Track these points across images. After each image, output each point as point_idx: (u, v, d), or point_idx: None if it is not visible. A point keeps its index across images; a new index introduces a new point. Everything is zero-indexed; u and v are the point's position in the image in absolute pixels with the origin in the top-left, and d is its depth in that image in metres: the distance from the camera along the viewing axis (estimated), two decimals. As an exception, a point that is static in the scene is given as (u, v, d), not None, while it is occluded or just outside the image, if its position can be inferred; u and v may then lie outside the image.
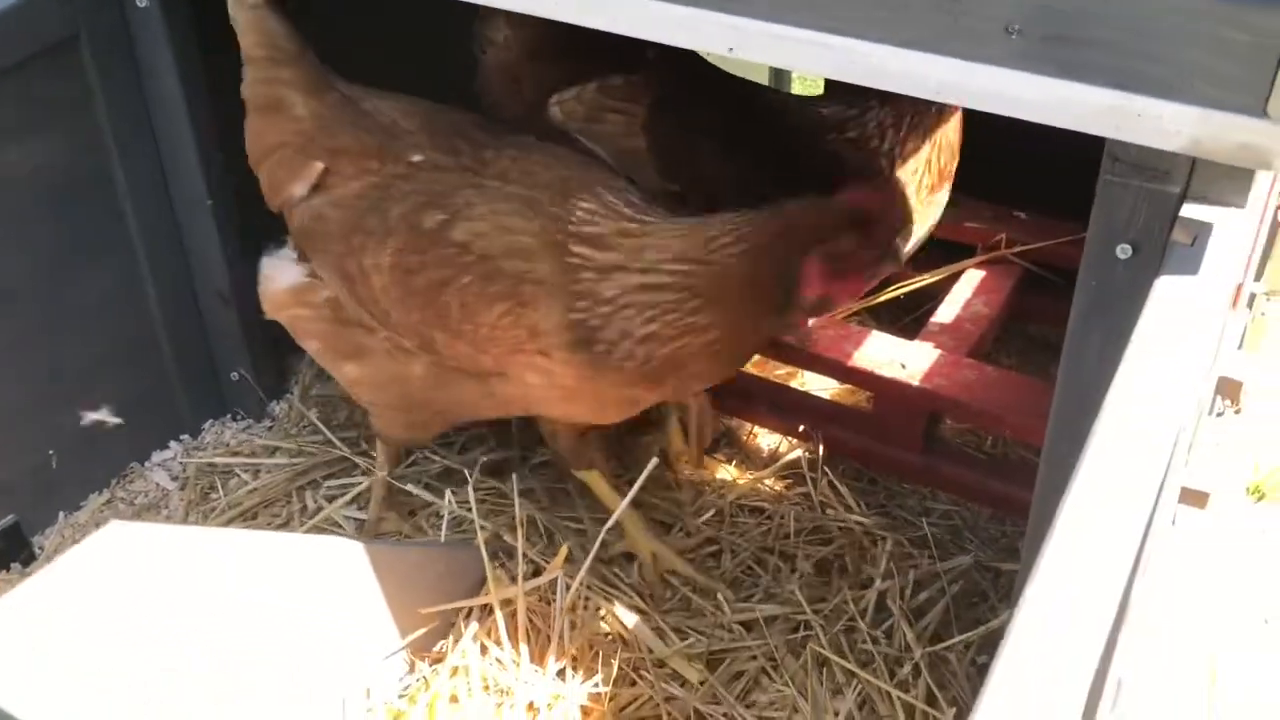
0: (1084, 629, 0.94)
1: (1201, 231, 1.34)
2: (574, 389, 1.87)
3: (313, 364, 2.67)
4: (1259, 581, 2.55)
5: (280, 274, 2.14)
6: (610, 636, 2.02)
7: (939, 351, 2.31)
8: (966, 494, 2.34)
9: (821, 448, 2.35)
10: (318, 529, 2.30)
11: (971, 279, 2.60)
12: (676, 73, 2.18)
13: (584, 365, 1.81)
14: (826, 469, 2.33)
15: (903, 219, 2.15)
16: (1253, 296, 2.80)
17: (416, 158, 1.96)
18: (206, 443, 2.56)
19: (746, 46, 1.44)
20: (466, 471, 2.31)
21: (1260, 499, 2.83)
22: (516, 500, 2.05)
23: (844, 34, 1.38)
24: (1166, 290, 1.28)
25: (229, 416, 2.62)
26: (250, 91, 2.08)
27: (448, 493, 2.23)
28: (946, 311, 2.50)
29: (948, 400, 2.21)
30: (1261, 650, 2.40)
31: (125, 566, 1.44)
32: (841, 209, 1.79)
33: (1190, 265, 1.31)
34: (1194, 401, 1.25)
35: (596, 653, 1.97)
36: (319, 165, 2.01)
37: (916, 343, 2.36)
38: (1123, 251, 1.46)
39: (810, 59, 1.40)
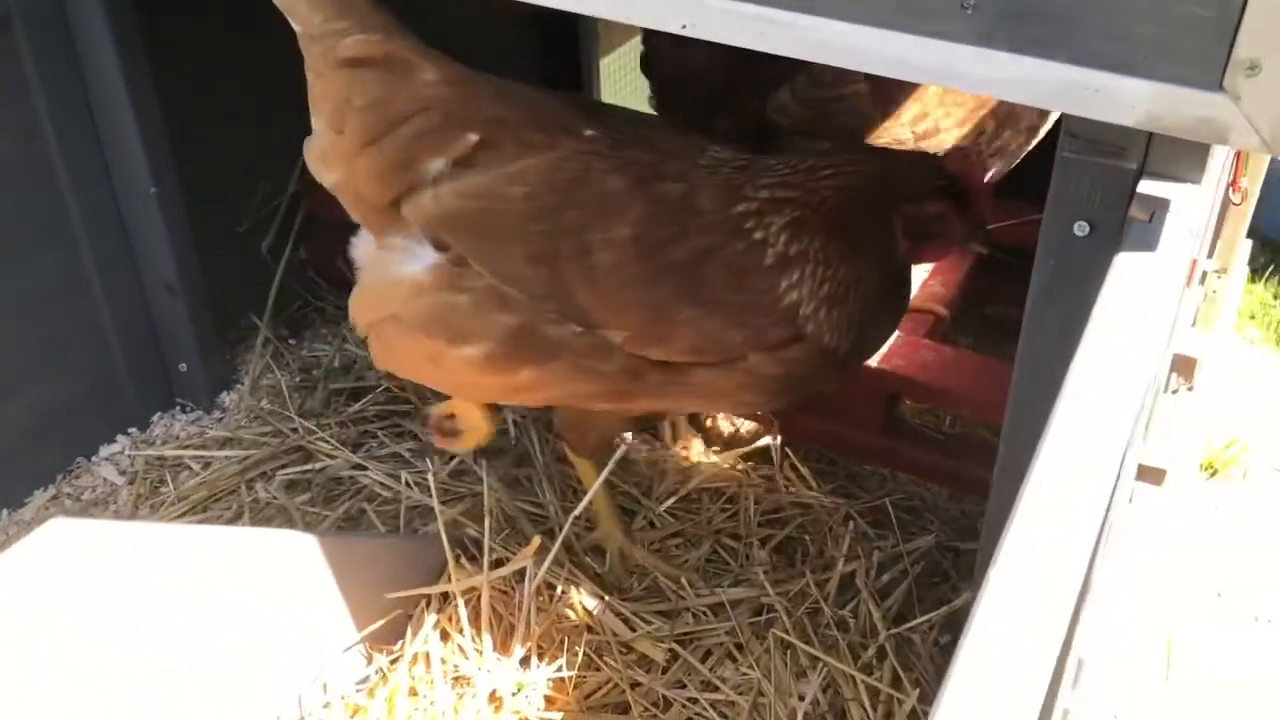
0: (1048, 609, 0.93)
1: (1159, 208, 1.33)
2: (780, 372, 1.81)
3: (263, 354, 2.63)
4: (1212, 557, 2.58)
5: (402, 260, 1.87)
6: (575, 622, 2.00)
7: (897, 333, 2.30)
8: (926, 474, 2.34)
9: (779, 433, 2.34)
10: (268, 521, 2.26)
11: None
12: None
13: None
14: (788, 451, 2.32)
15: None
16: (1204, 274, 2.83)
17: (589, 131, 1.79)
18: (155, 436, 2.51)
19: (700, 24, 1.42)
20: (427, 460, 2.29)
21: (1213, 475, 2.86)
22: (487, 486, 2.04)
23: (794, 9, 1.36)
24: (1125, 267, 1.27)
25: (177, 409, 2.56)
26: (361, 50, 1.78)
27: (404, 476, 2.20)
28: (904, 292, 2.49)
29: (907, 380, 2.20)
30: (1215, 625, 2.43)
31: (68, 564, 1.39)
32: (939, 170, 1.77)
33: (1148, 242, 1.30)
34: (1152, 379, 1.25)
35: (561, 639, 1.95)
36: (472, 137, 1.77)
37: (874, 324, 2.35)
38: (1080, 229, 1.45)
39: (758, 35, 1.38)
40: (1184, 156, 1.35)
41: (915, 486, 2.39)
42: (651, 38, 2.32)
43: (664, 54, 2.27)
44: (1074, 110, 1.28)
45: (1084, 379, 1.17)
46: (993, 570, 0.97)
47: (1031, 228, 2.59)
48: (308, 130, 1.99)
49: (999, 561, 0.97)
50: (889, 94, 2.05)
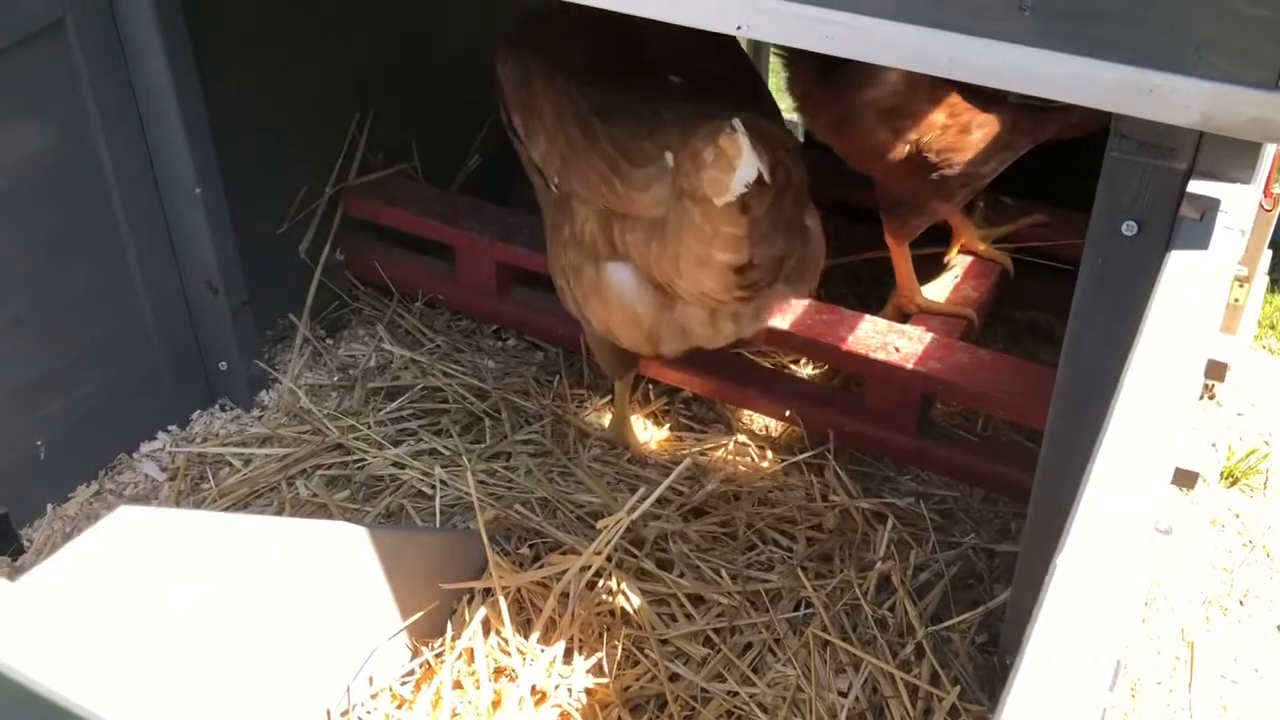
0: (1110, 613, 0.95)
1: (1210, 207, 1.35)
2: None
3: (301, 353, 2.66)
4: (1232, 565, 2.59)
5: None
6: (614, 615, 2.02)
7: (930, 335, 2.33)
8: (960, 476, 2.36)
9: (831, 435, 2.36)
10: (309, 517, 2.29)
11: (960, 263, 2.62)
12: None
13: None
14: (826, 453, 2.35)
15: None
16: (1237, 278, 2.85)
17: None
18: (195, 433, 2.54)
19: (756, 25, 1.45)
20: (464, 456, 2.31)
21: (1233, 484, 2.87)
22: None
23: (852, 9, 1.39)
24: (1178, 267, 1.29)
25: (217, 407, 2.59)
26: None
27: (438, 471, 2.23)
28: (935, 296, 2.52)
29: (942, 383, 2.23)
30: (1236, 634, 2.44)
31: (133, 551, 1.42)
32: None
33: (1200, 240, 1.33)
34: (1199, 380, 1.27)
35: (600, 633, 1.97)
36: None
37: (908, 326, 2.37)
38: (1128, 228, 1.47)
39: (819, 36, 1.41)
40: (1234, 157, 1.37)
41: (949, 490, 2.41)
42: None
43: None
44: (1130, 111, 1.31)
45: (1142, 379, 1.18)
46: (1058, 571, 0.98)
47: (1045, 231, 2.66)
48: (343, 133, 2.09)
49: (1061, 566, 0.98)
50: None
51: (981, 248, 2.64)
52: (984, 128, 2.14)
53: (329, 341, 2.76)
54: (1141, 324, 1.43)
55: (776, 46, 2.29)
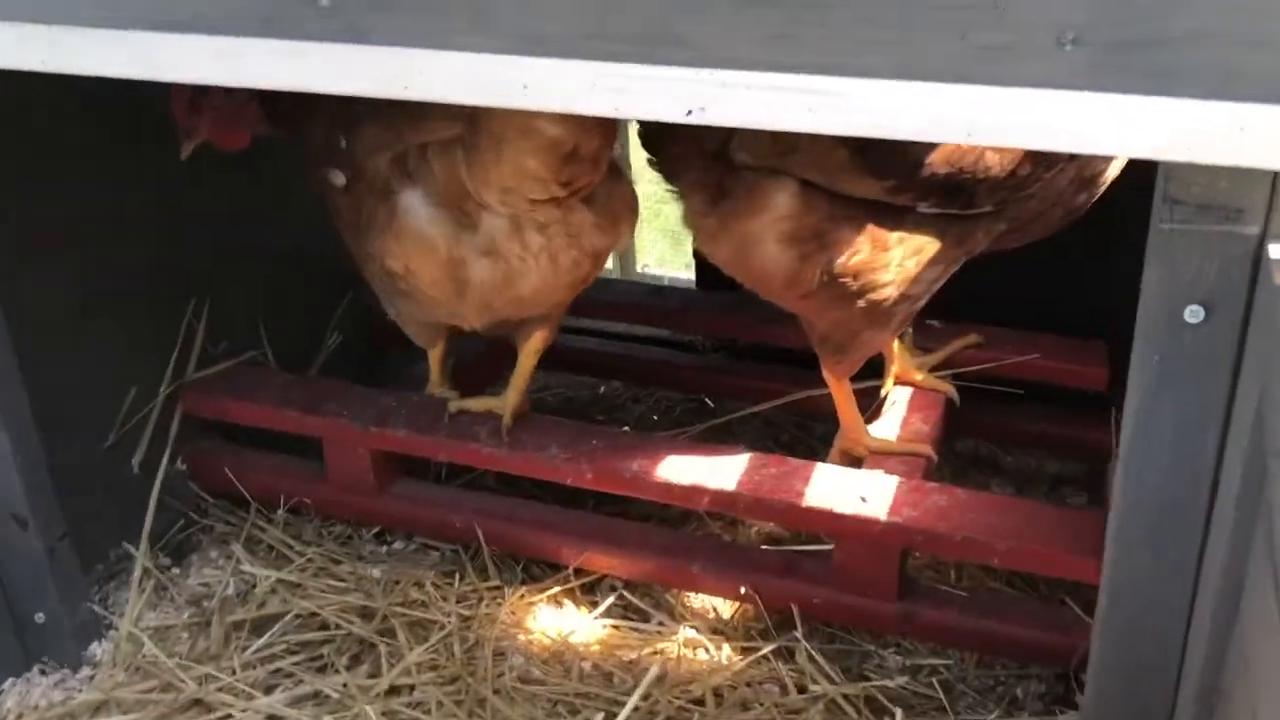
0: None
1: (1302, 274, 1.08)
2: None
3: (141, 589, 2.17)
4: None
5: None
6: None
7: (897, 478, 2.02)
8: (952, 640, 2.01)
9: (796, 611, 2.00)
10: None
11: (901, 396, 2.34)
12: None
13: None
14: (798, 635, 1.97)
15: None
16: None
17: None
18: (7, 710, 2.00)
19: (713, 107, 1.14)
20: (356, 697, 1.85)
21: None
22: None
23: (837, 72, 1.10)
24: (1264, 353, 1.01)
25: (35, 671, 2.06)
26: None
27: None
28: (884, 434, 2.22)
29: (923, 533, 1.90)
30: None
31: None
32: None
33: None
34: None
35: None
36: None
37: (871, 471, 2.06)
38: (1193, 314, 1.19)
39: (801, 109, 1.11)
40: (1318, 212, 1.11)
41: (939, 658, 2.05)
42: None
43: None
44: (1214, 157, 1.03)
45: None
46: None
47: (981, 352, 2.43)
48: (177, 323, 2.07)
49: None
50: None
51: (919, 377, 2.37)
52: (903, 243, 1.89)
53: (175, 571, 2.28)
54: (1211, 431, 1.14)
55: (664, 178, 2.01)
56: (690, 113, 1.15)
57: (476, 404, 2.23)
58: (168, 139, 2.12)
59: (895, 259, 1.90)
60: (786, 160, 1.85)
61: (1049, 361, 2.39)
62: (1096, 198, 1.97)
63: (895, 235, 1.88)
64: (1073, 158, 1.85)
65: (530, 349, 2.18)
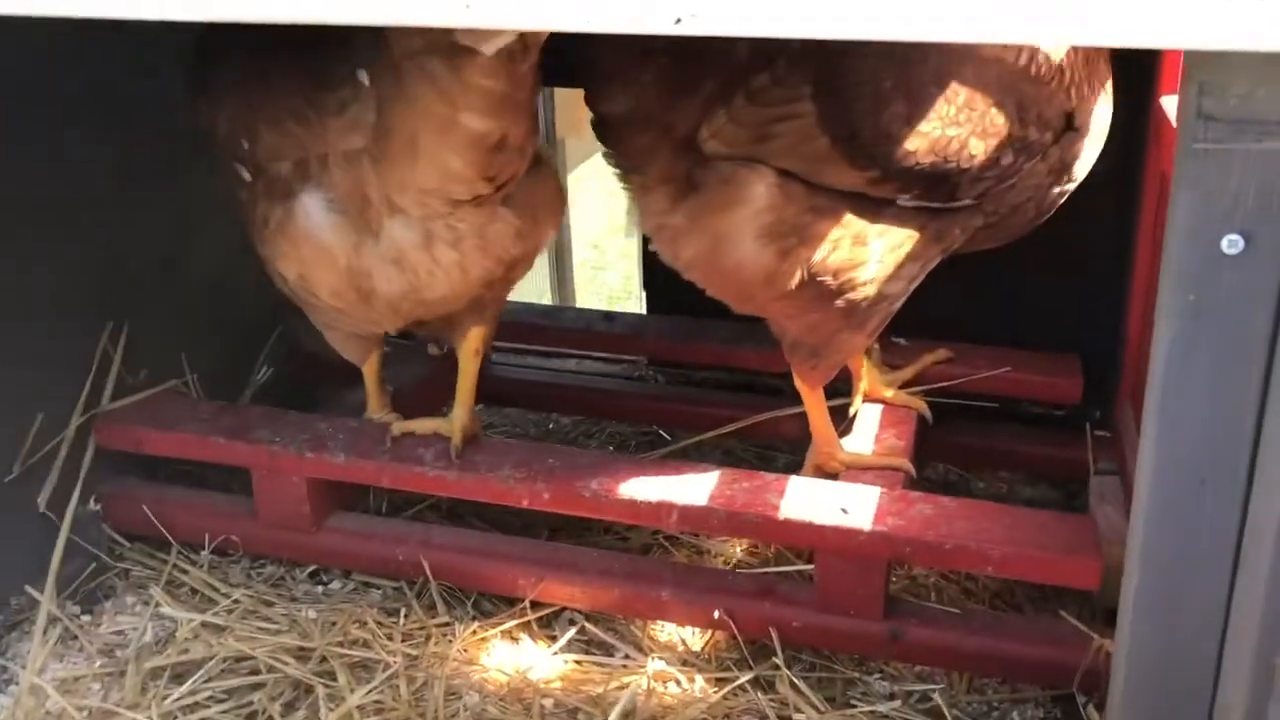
0: None
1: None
2: None
3: (46, 638, 1.95)
4: None
5: None
6: None
7: (879, 488, 1.89)
8: (945, 661, 1.86)
9: (775, 636, 1.85)
10: None
11: (871, 412, 2.22)
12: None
13: None
14: (778, 663, 1.81)
15: None
16: None
17: None
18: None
19: (704, 12, 1.02)
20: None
21: None
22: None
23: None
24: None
25: (-78, 731, 1.83)
26: None
27: None
28: (858, 449, 2.09)
29: (911, 542, 1.76)
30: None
31: None
32: None
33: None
34: None
35: None
36: None
37: (846, 483, 1.93)
38: (1231, 244, 1.09)
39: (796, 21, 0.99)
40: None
41: (925, 682, 1.90)
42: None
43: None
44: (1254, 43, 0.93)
45: None
46: None
47: (950, 368, 2.33)
48: (91, 348, 1.98)
49: None
50: (843, 114, 1.70)
51: (889, 394, 2.26)
52: (883, 236, 1.78)
53: (85, 618, 2.06)
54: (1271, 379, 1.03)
55: (622, 173, 1.89)
56: (679, 21, 1.03)
57: (421, 425, 2.06)
58: (79, 148, 1.96)
59: (875, 254, 1.79)
60: (763, 148, 1.74)
61: (1022, 375, 2.30)
62: (1068, 194, 1.89)
63: (875, 229, 1.78)
64: (1056, 140, 1.77)
65: (468, 350, 2.03)
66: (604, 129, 1.85)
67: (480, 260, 1.81)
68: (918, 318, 2.10)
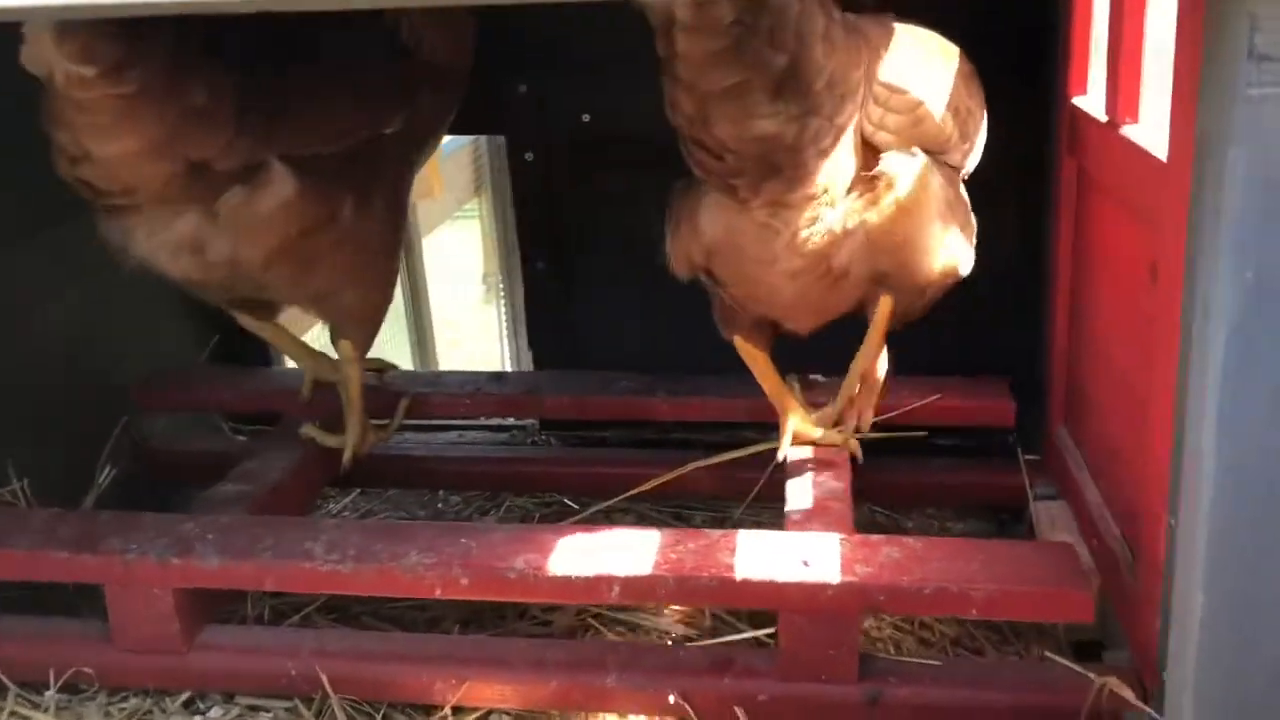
0: None
1: None
2: None
3: None
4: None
5: None
6: None
7: (839, 534, 1.70)
8: (930, 721, 1.68)
9: (741, 716, 1.62)
10: None
11: (800, 456, 2.04)
12: None
13: None
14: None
15: None
16: None
17: None
18: None
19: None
20: None
21: None
22: None
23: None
24: None
25: None
26: None
27: None
28: (800, 495, 1.91)
29: (884, 590, 1.58)
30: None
31: None
32: None
33: None
34: None
35: None
36: None
37: (801, 532, 1.73)
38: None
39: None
40: None
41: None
42: None
43: None
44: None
45: None
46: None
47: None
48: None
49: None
50: None
51: (817, 435, 2.08)
52: None
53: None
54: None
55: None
56: None
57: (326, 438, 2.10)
58: None
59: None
60: None
61: (952, 401, 2.17)
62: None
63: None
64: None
65: (345, 355, 1.83)
66: None
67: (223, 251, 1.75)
68: (836, 352, 1.96)
